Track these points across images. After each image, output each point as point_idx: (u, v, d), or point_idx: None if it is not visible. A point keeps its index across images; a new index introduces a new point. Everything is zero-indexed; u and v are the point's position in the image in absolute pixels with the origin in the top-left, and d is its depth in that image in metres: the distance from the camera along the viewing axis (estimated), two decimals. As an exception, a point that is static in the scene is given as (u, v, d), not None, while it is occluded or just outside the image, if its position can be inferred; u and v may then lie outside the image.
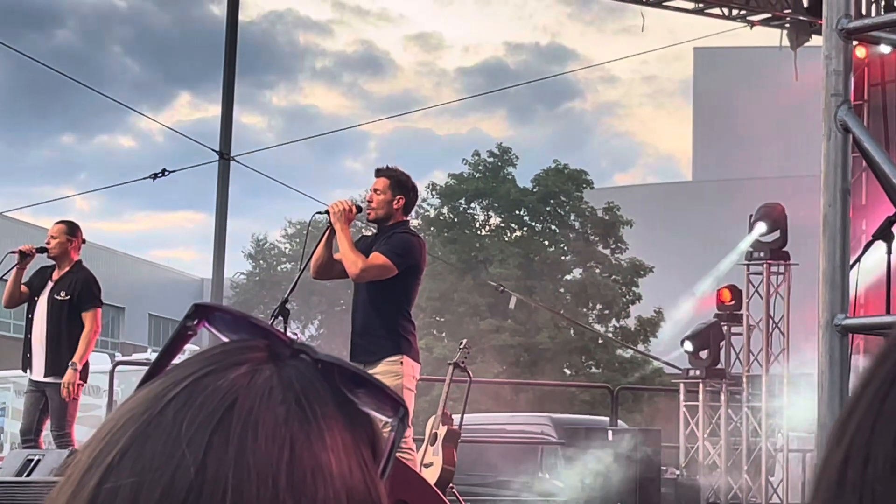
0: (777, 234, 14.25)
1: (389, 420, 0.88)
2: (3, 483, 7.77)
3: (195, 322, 0.88)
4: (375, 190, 8.08)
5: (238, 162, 16.87)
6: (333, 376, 0.85)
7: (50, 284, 10.07)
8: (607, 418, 16.58)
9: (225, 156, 16.59)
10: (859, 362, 14.14)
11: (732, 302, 14.69)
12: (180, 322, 0.88)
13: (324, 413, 0.83)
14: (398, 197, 8.04)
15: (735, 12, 15.88)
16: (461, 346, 10.78)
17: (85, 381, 9.99)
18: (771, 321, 14.30)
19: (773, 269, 14.30)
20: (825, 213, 6.02)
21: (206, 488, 0.78)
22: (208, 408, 0.81)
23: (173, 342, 0.88)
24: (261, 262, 44.30)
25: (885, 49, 13.36)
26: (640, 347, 34.55)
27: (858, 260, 7.47)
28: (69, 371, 9.75)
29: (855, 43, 6.44)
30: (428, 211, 38.34)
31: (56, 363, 9.84)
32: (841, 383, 5.91)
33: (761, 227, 14.27)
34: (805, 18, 15.21)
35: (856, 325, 6.31)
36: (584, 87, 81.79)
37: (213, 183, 16.90)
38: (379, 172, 8.16)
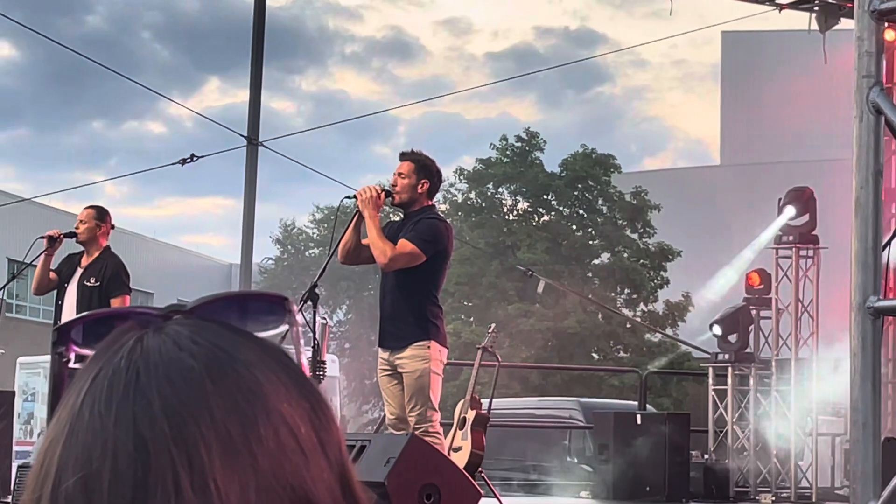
0: (806, 217, 14.18)
1: (283, 323, 0.89)
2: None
3: (63, 347, 0.89)
4: (400, 174, 8.05)
5: (266, 147, 16.90)
6: (212, 314, 0.86)
7: (79, 271, 10.06)
8: (636, 403, 16.55)
9: (253, 141, 16.60)
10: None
11: (761, 286, 14.65)
12: (51, 354, 0.89)
13: (225, 342, 0.83)
14: (423, 181, 8.01)
15: (764, -5, 15.78)
16: (489, 331, 10.76)
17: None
18: (800, 305, 14.24)
19: (803, 252, 14.24)
20: (857, 195, 5.96)
21: (151, 453, 0.77)
22: (118, 388, 0.80)
23: (56, 375, 0.89)
24: (289, 247, 44.34)
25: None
26: (668, 331, 34.47)
27: (889, 243, 7.41)
28: None
29: (885, 25, 6.38)
30: (456, 196, 38.31)
31: (85, 349, 9.86)
32: (873, 365, 5.86)
33: (790, 210, 14.22)
34: (833, 1, 15.10)
35: (888, 308, 6.25)
36: (614, 72, 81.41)
37: (242, 168, 16.94)
38: (403, 156, 8.13)
